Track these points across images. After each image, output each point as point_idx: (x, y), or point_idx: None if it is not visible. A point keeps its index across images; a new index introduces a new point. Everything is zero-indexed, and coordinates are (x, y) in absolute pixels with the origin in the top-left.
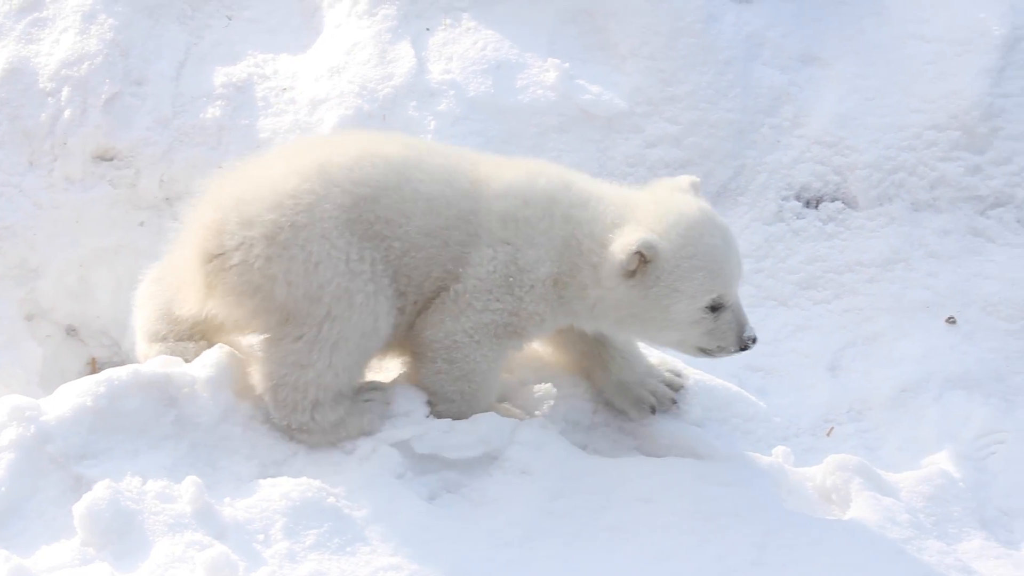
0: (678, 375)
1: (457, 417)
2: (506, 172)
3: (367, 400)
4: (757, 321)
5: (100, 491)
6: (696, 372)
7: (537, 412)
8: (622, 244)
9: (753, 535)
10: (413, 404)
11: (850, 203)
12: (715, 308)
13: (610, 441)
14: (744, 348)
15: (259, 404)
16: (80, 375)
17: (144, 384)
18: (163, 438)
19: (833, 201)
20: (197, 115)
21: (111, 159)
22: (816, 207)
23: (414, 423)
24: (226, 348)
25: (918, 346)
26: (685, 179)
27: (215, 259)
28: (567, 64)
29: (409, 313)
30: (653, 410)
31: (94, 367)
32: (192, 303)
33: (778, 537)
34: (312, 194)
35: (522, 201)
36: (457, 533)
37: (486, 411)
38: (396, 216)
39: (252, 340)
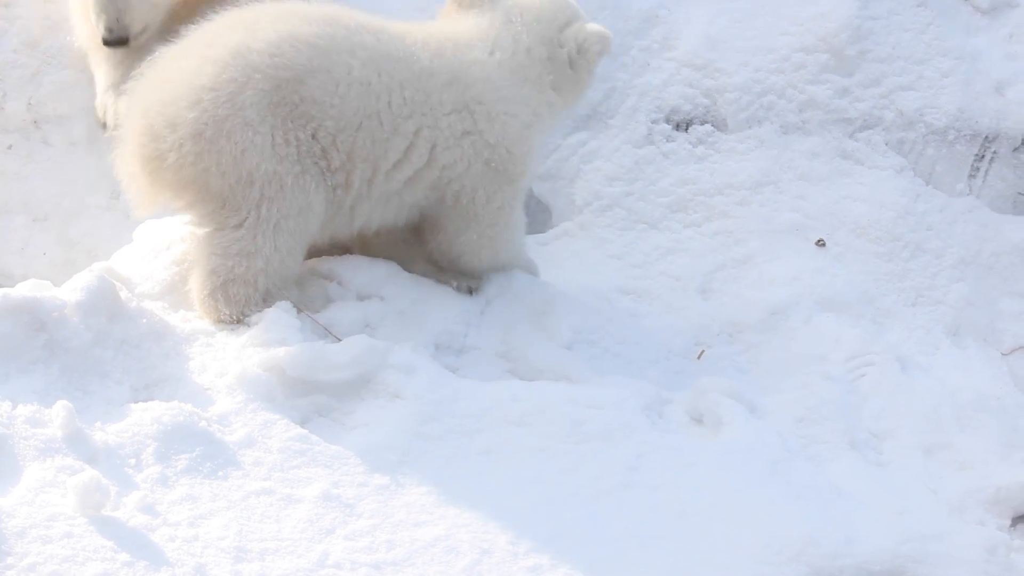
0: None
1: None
2: (433, 52)
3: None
4: (628, 244)
5: None
6: (568, 295)
7: (408, 336)
8: (598, 35)
9: (625, 458)
10: (287, 330)
11: (719, 126)
12: None
13: (482, 365)
14: None
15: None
16: None
17: (13, 308)
18: (33, 362)
19: (703, 124)
20: (65, 38)
21: None
22: (686, 130)
23: (286, 346)
24: (97, 272)
25: (788, 268)
26: None
27: (152, 161)
28: None
29: (348, 190)
30: (470, 291)
31: None
32: (142, 201)
33: (649, 460)
34: (232, 83)
35: (464, 84)
36: (330, 457)
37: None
38: (327, 97)
39: (192, 245)
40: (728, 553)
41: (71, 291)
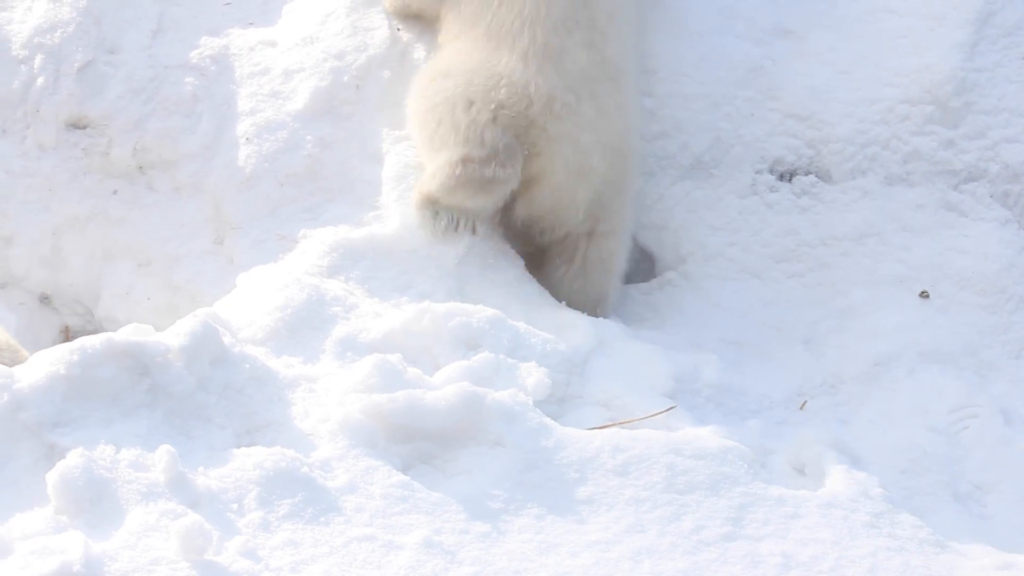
0: None
1: None
2: None
3: None
4: (731, 294)
5: (73, 459)
6: (670, 344)
7: (510, 383)
8: None
9: (727, 509)
10: (389, 376)
11: (823, 177)
12: None
13: (583, 413)
14: None
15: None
16: (54, 343)
17: (118, 353)
18: (137, 407)
19: (807, 175)
20: (171, 83)
21: (84, 127)
22: (790, 180)
23: (388, 392)
24: (200, 317)
25: (892, 320)
26: None
27: None
28: None
29: None
30: None
31: (67, 335)
32: None
33: (752, 511)
34: None
35: None
36: (431, 504)
37: None
38: None
39: None
40: None
41: (174, 336)
